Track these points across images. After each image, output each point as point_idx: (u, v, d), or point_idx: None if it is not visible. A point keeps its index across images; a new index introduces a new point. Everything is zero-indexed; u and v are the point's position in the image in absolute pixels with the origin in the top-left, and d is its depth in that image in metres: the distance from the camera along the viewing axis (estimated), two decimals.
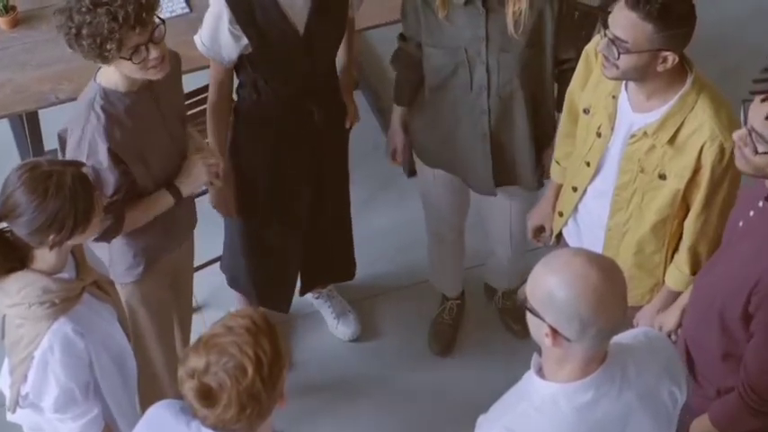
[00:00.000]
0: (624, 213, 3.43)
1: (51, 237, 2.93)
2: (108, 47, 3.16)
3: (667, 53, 3.15)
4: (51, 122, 4.54)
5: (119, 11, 3.14)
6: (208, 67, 3.81)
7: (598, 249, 3.56)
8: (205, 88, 3.97)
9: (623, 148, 3.35)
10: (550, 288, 2.48)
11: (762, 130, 2.79)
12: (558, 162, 3.72)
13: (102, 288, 3.22)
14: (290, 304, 4.33)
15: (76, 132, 3.34)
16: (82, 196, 2.93)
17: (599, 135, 3.40)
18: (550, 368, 2.60)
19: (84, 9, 3.16)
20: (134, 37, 3.18)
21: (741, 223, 3.06)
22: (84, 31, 3.16)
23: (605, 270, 2.48)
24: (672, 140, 3.24)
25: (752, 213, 3.01)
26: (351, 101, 4.10)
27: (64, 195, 2.90)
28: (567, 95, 3.61)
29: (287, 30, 3.64)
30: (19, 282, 3.00)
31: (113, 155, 3.32)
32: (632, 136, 3.31)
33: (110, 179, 3.34)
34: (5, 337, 3.12)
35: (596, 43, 3.41)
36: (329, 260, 4.35)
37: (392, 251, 4.79)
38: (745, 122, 2.84)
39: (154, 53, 3.23)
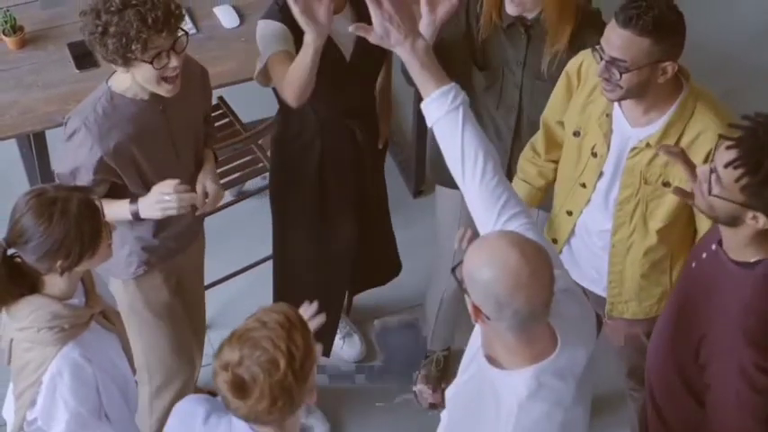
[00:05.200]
0: (627, 228, 3.44)
1: (59, 262, 2.94)
2: (133, 47, 3.21)
3: (666, 63, 3.17)
4: (59, 143, 4.53)
5: (148, 13, 3.20)
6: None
7: (599, 269, 3.58)
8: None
9: (622, 162, 3.36)
10: (473, 267, 2.57)
11: (722, 174, 2.79)
12: (526, 181, 3.68)
13: (109, 318, 3.22)
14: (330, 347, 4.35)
15: (74, 123, 3.38)
16: (88, 221, 2.94)
17: (594, 155, 3.41)
18: (500, 355, 2.65)
19: (113, 9, 3.23)
20: (159, 40, 3.24)
21: (694, 264, 3.06)
22: (112, 30, 3.21)
23: (526, 253, 2.53)
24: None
25: (704, 255, 3.01)
26: (385, 121, 4.14)
27: (69, 221, 2.91)
28: (542, 120, 3.61)
29: (335, 56, 3.70)
30: (29, 306, 3.00)
31: (99, 160, 3.35)
32: (633, 149, 3.32)
33: (84, 178, 3.37)
34: (12, 361, 3.11)
35: (578, 64, 3.43)
36: (378, 266, 4.41)
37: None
38: (713, 159, 2.84)
39: (174, 62, 3.29)
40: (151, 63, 3.26)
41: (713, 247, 2.97)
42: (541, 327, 2.62)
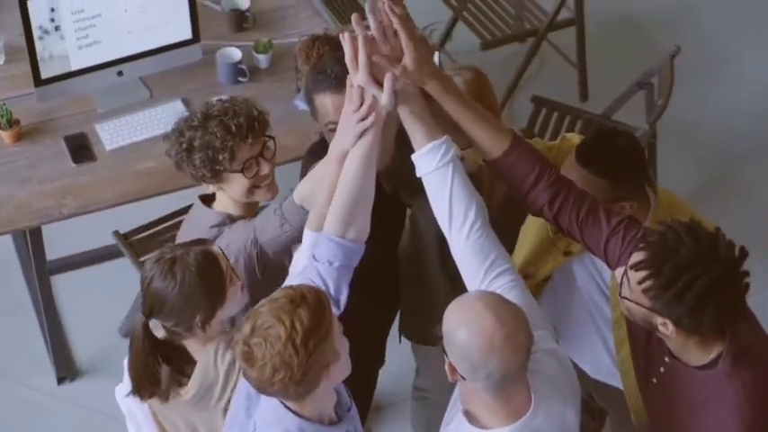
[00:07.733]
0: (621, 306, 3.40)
1: (197, 318, 3.01)
2: (220, 157, 3.20)
3: (625, 203, 3.15)
4: (54, 235, 4.52)
5: (231, 122, 3.21)
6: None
7: (606, 345, 3.58)
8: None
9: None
10: (450, 327, 2.63)
11: (630, 276, 2.78)
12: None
13: None
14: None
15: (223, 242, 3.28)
16: (211, 273, 2.99)
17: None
18: (478, 412, 2.69)
19: (195, 124, 3.24)
20: (245, 149, 3.24)
21: (655, 380, 3.02)
22: (197, 144, 3.22)
23: (501, 317, 2.58)
24: None
25: (662, 370, 2.98)
26: None
27: (192, 274, 2.97)
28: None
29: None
30: (208, 359, 3.06)
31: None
32: None
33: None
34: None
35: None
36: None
37: (402, 361, 4.74)
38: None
39: (265, 168, 3.28)
40: (242, 172, 3.25)
41: (666, 359, 2.94)
42: (518, 386, 2.67)
